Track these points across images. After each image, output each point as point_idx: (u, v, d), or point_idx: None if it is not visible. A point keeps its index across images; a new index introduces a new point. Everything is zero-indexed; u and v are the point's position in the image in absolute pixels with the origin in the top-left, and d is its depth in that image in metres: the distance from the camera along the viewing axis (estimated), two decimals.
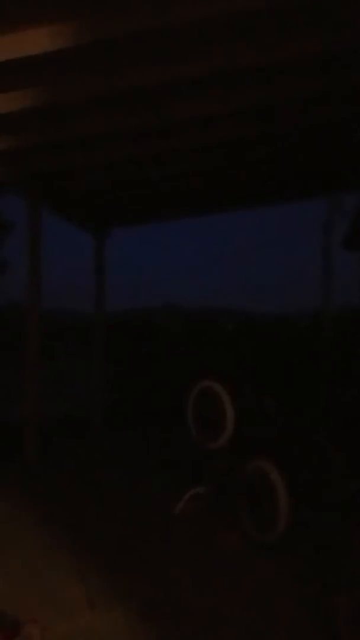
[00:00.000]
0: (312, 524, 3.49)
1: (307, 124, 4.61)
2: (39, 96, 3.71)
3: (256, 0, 2.81)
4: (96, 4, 2.88)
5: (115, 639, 2.41)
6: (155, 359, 10.74)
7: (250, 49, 3.29)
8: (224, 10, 2.83)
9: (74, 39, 2.99)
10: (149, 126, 4.35)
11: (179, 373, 7.34)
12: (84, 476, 5.03)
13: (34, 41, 3.02)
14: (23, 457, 5.35)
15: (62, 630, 2.44)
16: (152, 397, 8.24)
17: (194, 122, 4.41)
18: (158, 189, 6.15)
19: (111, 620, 2.53)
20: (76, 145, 4.82)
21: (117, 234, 7.57)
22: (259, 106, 4.18)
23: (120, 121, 4.22)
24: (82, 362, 8.16)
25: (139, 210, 7.19)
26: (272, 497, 3.19)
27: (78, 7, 2.89)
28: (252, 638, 2.42)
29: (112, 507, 4.12)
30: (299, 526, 3.28)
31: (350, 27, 3.10)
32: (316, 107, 4.26)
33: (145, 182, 5.90)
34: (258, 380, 4.69)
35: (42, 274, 5.48)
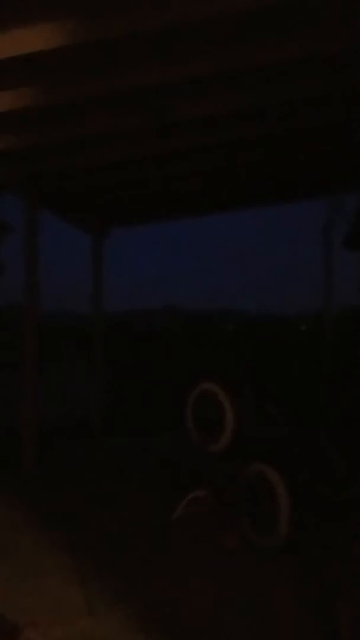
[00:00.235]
0: (313, 525, 3.48)
1: (307, 125, 4.60)
2: (37, 96, 3.70)
3: (256, 1, 2.81)
4: (95, 3, 2.87)
5: None
6: (156, 360, 10.73)
7: (250, 49, 3.28)
8: (223, 10, 2.83)
9: (72, 38, 2.98)
10: (148, 126, 4.34)
11: (179, 374, 7.33)
12: (83, 479, 5.01)
13: (32, 40, 3.02)
14: (22, 459, 5.32)
15: (60, 634, 2.42)
16: (152, 398, 8.21)
17: (194, 122, 4.41)
18: (157, 189, 6.14)
19: (110, 624, 2.51)
20: (75, 145, 4.81)
21: (116, 234, 7.58)
22: (259, 106, 4.18)
23: (120, 121, 4.22)
24: (82, 363, 8.13)
25: (138, 211, 7.18)
26: (273, 500, 3.17)
27: (77, 6, 2.88)
28: None
29: (111, 510, 4.11)
30: (299, 528, 3.27)
31: (351, 27, 3.10)
32: (316, 108, 4.26)
33: (145, 182, 5.90)
34: (258, 381, 4.68)
35: (41, 275, 5.47)
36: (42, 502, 4.35)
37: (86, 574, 3.02)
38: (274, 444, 3.80)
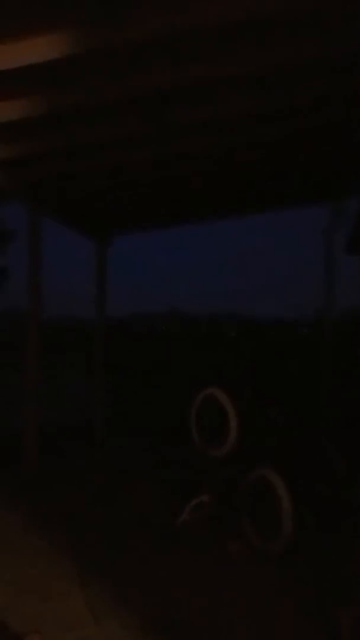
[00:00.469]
0: (314, 526, 3.47)
1: (308, 128, 4.61)
2: (39, 104, 3.73)
3: (256, 5, 2.83)
4: (95, 12, 2.90)
5: None
6: (157, 363, 10.73)
7: (249, 52, 3.30)
8: (223, 15, 2.86)
9: (72, 47, 3.01)
10: (150, 132, 4.37)
11: (182, 378, 7.33)
12: (84, 484, 4.99)
13: (33, 50, 3.05)
14: (23, 460, 5.31)
15: None
16: (155, 403, 8.20)
17: (195, 127, 4.43)
18: (160, 195, 6.16)
19: (112, 631, 2.50)
20: (77, 152, 4.83)
21: (120, 239, 7.59)
22: (260, 110, 4.19)
23: (122, 127, 4.24)
24: (84, 367, 8.14)
25: (141, 216, 7.19)
26: (276, 504, 3.16)
27: (76, 15, 2.91)
28: None
29: (112, 515, 4.09)
30: (301, 531, 3.25)
31: (351, 30, 3.12)
32: (317, 111, 4.27)
33: (148, 188, 5.91)
34: (260, 384, 4.67)
35: (44, 281, 5.49)
36: (42, 502, 4.35)
37: (87, 576, 3.01)
38: (276, 448, 3.78)
